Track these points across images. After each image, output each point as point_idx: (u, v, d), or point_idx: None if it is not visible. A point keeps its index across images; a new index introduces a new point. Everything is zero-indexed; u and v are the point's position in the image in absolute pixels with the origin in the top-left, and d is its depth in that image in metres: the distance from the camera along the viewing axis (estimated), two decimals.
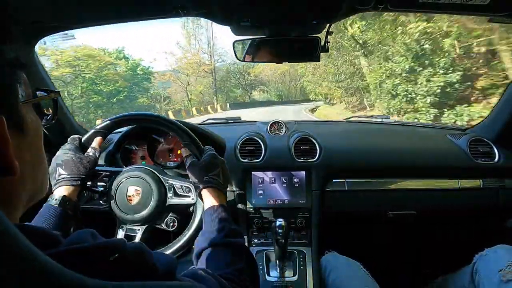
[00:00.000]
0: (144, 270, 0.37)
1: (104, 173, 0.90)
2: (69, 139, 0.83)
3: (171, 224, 0.88)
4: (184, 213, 0.92)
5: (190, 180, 0.83)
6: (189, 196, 0.87)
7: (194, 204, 0.87)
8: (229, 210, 0.74)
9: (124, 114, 0.89)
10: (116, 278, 0.30)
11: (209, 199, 0.75)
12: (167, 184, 0.88)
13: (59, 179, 0.75)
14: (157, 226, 0.88)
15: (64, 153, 0.78)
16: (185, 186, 0.87)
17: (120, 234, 0.87)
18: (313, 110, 18.17)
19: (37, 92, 0.43)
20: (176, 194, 0.88)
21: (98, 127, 0.86)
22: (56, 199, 0.72)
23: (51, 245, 0.33)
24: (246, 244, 1.19)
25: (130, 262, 0.36)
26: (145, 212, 0.84)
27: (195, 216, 0.86)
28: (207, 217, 0.72)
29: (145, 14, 0.99)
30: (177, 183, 0.88)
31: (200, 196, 0.78)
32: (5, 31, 0.36)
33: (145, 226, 0.86)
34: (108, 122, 0.87)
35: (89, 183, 0.86)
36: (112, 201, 0.85)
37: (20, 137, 0.36)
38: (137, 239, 0.84)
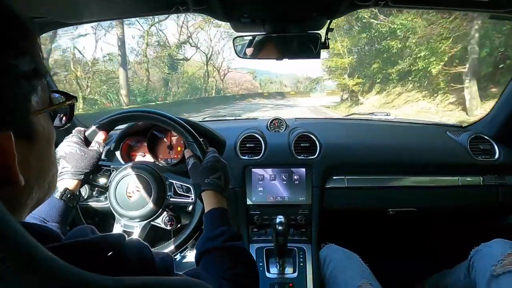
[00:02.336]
0: (142, 265, 0.37)
1: (106, 168, 0.90)
2: (74, 131, 0.83)
3: (169, 223, 0.87)
4: (183, 212, 0.92)
5: (191, 181, 0.83)
6: (189, 196, 0.87)
7: (193, 204, 0.87)
8: (229, 213, 0.74)
9: (127, 110, 0.88)
10: (114, 273, 0.30)
11: (209, 202, 0.75)
12: (167, 183, 0.87)
13: (62, 172, 0.75)
14: (155, 223, 0.88)
15: (68, 145, 0.78)
16: (185, 186, 0.87)
17: (118, 229, 0.87)
18: None
19: (54, 95, 0.42)
20: (176, 193, 0.87)
21: (101, 122, 0.86)
22: (58, 191, 0.72)
23: (53, 241, 0.33)
24: (246, 242, 1.20)
25: (129, 257, 0.36)
26: (143, 209, 0.84)
27: (194, 215, 0.85)
28: (206, 220, 0.72)
29: (144, 10, 0.98)
30: (177, 182, 0.87)
31: (200, 198, 0.78)
32: (24, 44, 0.35)
33: (143, 223, 0.86)
34: (111, 117, 0.86)
35: (90, 177, 0.86)
36: (112, 197, 0.85)
37: (29, 146, 0.35)
38: (134, 235, 0.84)
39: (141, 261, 0.38)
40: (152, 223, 0.87)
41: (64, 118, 0.47)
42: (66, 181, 0.75)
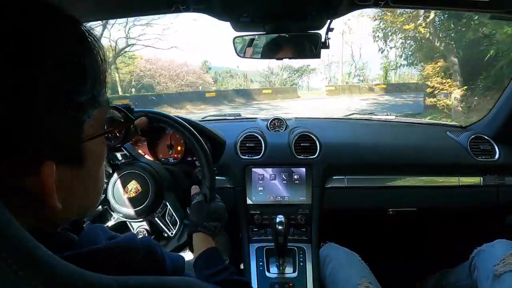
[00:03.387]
0: (151, 265, 0.37)
1: (126, 152, 0.89)
2: None
3: (140, 235, 0.87)
4: (157, 235, 0.91)
5: (189, 216, 0.82)
6: (170, 229, 0.86)
7: (168, 238, 0.86)
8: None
9: (166, 114, 0.87)
10: (124, 274, 0.30)
11: (202, 242, 0.75)
12: (163, 201, 0.87)
13: None
14: (130, 226, 0.88)
15: None
16: (174, 218, 0.86)
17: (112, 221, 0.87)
18: None
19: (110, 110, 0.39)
20: (163, 217, 0.87)
21: (145, 110, 0.85)
22: None
23: (68, 247, 0.33)
24: (246, 242, 1.20)
25: (139, 258, 0.36)
26: (129, 210, 0.84)
27: (175, 236, 0.85)
28: (204, 259, 0.72)
29: (144, 9, 0.98)
30: (171, 210, 0.86)
31: (190, 236, 0.78)
32: (83, 75, 0.32)
33: (121, 219, 0.86)
34: (150, 112, 0.85)
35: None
36: (111, 184, 0.85)
37: (76, 171, 0.34)
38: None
39: (150, 261, 0.37)
40: (128, 223, 0.87)
41: (117, 136, 0.44)
42: None
